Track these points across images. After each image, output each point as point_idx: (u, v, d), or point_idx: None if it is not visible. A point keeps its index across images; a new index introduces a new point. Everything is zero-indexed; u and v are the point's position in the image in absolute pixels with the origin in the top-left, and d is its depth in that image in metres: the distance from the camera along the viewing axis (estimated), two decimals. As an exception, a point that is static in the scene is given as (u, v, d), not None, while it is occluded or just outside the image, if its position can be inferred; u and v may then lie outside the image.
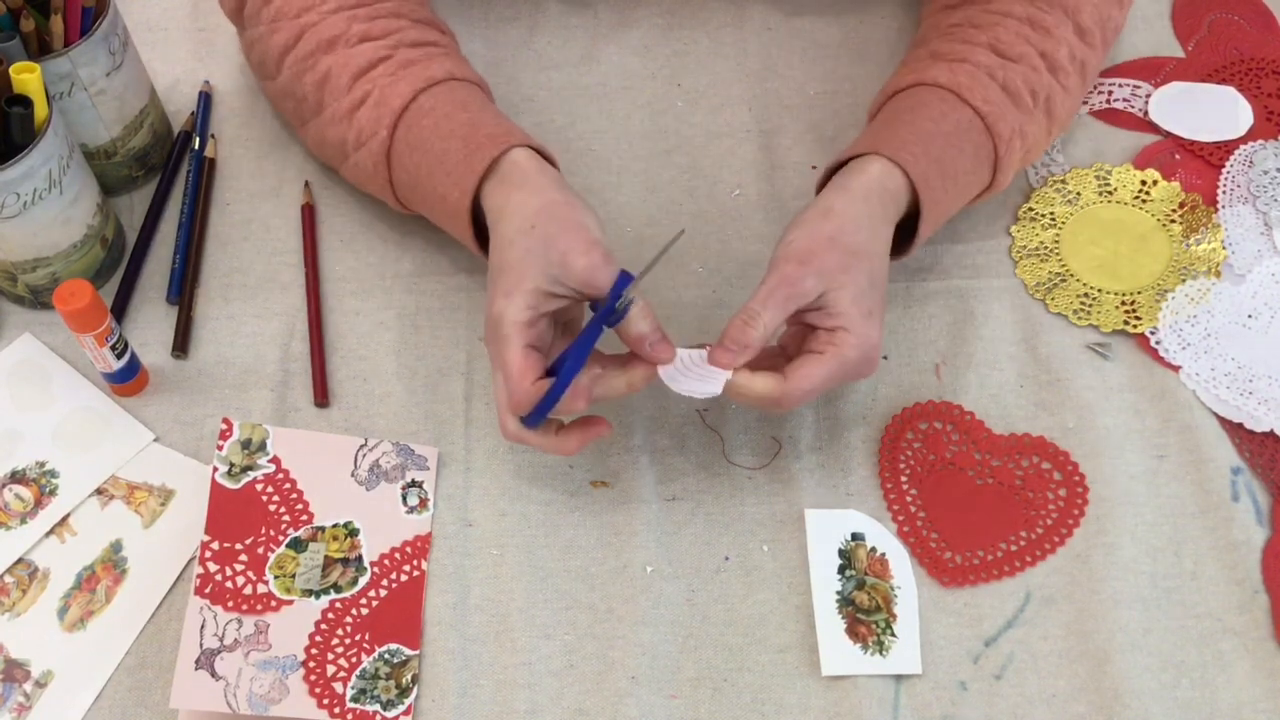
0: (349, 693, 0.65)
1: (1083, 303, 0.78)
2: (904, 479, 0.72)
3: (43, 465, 0.71)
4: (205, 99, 0.86)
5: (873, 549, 0.70)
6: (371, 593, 0.68)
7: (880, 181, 0.69)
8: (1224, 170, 0.84)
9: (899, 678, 0.66)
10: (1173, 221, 0.82)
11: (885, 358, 0.76)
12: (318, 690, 0.64)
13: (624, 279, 0.63)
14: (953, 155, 0.72)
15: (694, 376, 0.65)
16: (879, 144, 0.71)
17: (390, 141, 0.72)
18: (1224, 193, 0.83)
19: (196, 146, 0.84)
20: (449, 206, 0.70)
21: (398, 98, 0.71)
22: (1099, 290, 0.79)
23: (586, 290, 0.63)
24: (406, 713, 0.64)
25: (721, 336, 0.64)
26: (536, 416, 0.64)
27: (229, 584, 0.67)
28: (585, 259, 0.63)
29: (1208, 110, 0.87)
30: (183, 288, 0.78)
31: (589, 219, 0.65)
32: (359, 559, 0.69)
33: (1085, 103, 0.88)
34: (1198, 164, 0.85)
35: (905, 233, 0.72)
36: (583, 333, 0.63)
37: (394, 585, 0.68)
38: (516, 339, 0.63)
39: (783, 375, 0.64)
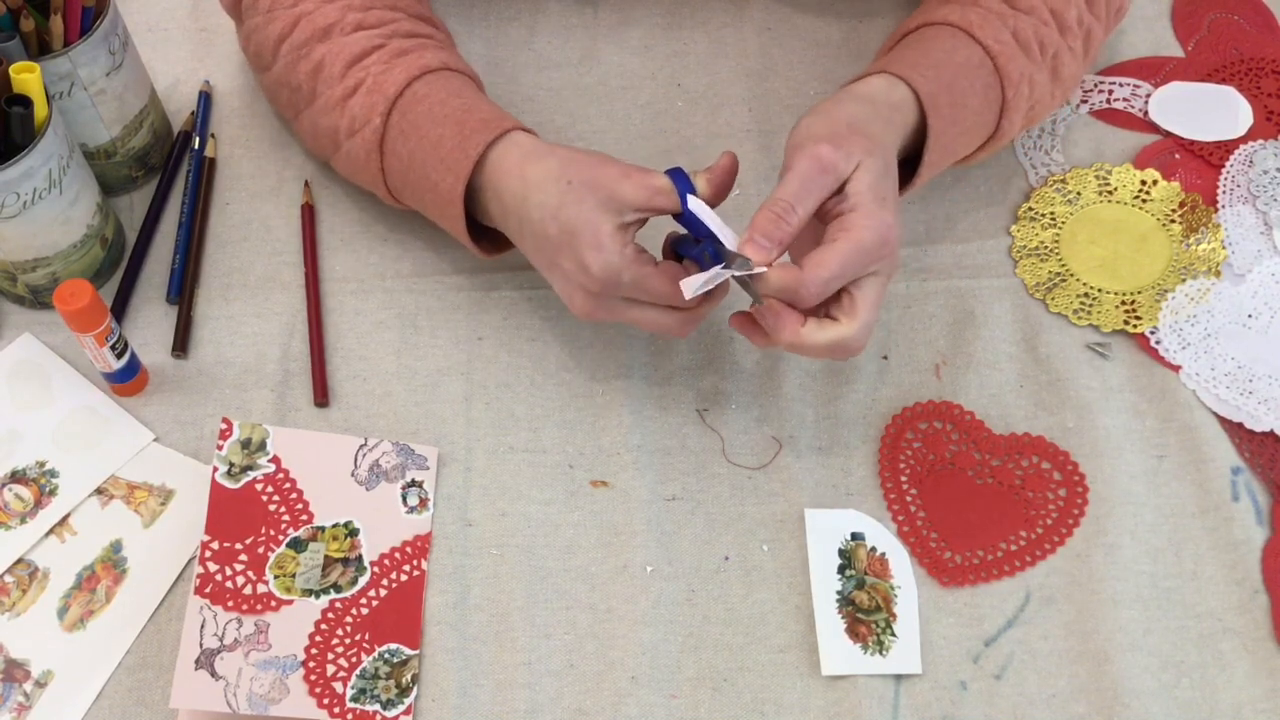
0: (349, 692, 0.65)
1: (1083, 303, 0.78)
2: (904, 479, 0.72)
3: (43, 465, 0.71)
4: (205, 99, 0.86)
5: (873, 549, 0.70)
6: (371, 592, 0.68)
7: (884, 92, 0.68)
8: (1224, 170, 0.84)
9: (899, 677, 0.66)
10: (1173, 221, 0.82)
11: (885, 358, 0.76)
12: (318, 690, 0.64)
13: (676, 174, 0.65)
14: (962, 86, 0.71)
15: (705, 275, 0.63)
16: (886, 65, 0.70)
17: (384, 129, 0.71)
18: (1224, 193, 0.83)
19: (196, 146, 0.84)
20: (441, 194, 0.69)
21: (392, 84, 0.71)
22: (1099, 290, 0.79)
23: (651, 208, 0.65)
24: (406, 712, 0.64)
25: (750, 229, 0.63)
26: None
27: (229, 584, 0.67)
28: (629, 182, 0.64)
29: (1208, 110, 0.87)
30: (183, 287, 0.78)
31: (602, 155, 0.67)
32: (359, 559, 0.69)
33: (1085, 102, 0.88)
34: (1198, 164, 0.85)
35: (906, 173, 0.71)
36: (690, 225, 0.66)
37: (394, 585, 0.68)
38: (645, 266, 0.64)
39: (799, 267, 0.62)
